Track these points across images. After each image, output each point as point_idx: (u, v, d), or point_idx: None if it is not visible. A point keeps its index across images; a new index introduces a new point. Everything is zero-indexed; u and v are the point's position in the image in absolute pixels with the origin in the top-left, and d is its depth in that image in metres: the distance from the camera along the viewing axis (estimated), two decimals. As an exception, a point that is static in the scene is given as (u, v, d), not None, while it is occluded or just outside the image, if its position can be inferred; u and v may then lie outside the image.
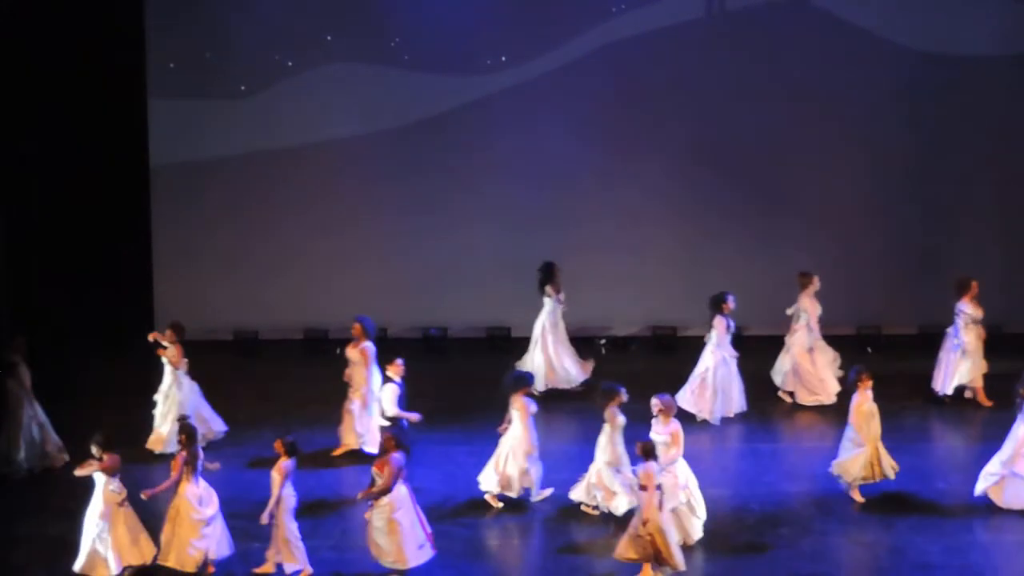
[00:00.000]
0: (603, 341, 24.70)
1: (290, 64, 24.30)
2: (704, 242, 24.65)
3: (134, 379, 22.60)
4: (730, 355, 20.61)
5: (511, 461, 17.65)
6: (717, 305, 20.51)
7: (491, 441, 18.77)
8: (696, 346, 24.36)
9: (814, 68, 24.33)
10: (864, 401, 17.54)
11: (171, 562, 15.96)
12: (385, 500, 15.82)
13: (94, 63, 23.79)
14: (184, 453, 16.09)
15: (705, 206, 24.61)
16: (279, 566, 15.98)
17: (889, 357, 23.07)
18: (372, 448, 18.93)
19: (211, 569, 16.08)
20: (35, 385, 19.24)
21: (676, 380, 22.52)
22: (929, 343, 23.05)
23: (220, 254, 24.68)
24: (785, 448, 19.93)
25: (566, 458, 18.74)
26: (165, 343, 19.61)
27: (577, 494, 17.55)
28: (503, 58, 24.36)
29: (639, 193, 24.54)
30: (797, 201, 24.68)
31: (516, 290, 24.52)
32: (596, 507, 17.46)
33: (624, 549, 15.65)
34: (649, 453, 15.71)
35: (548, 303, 21.82)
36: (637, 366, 23.44)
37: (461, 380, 22.71)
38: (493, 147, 24.51)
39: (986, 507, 17.57)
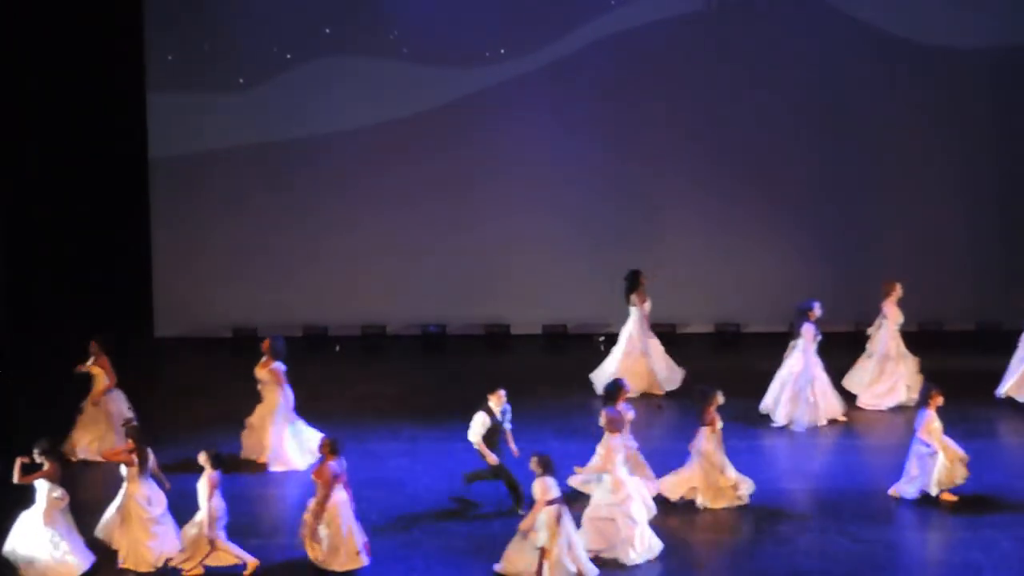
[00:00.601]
0: (602, 339, 24.67)
1: (289, 57, 24.28)
2: (704, 239, 24.63)
3: (133, 377, 22.60)
4: (815, 363, 20.45)
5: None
6: (804, 313, 20.36)
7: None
8: (695, 343, 24.48)
9: (814, 61, 24.30)
10: (934, 419, 17.54)
11: (128, 564, 16.07)
12: (323, 505, 15.92)
13: (92, 56, 23.79)
14: (132, 455, 16.18)
15: (705, 203, 24.59)
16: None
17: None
18: (279, 467, 18.75)
19: (165, 565, 16.19)
20: (33, 383, 19.25)
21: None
22: (929, 341, 23.09)
23: (219, 251, 24.65)
24: (784, 445, 19.92)
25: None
26: (88, 367, 19.27)
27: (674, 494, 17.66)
28: (502, 51, 24.33)
29: (639, 189, 24.53)
30: (800, 197, 24.67)
31: (515, 287, 24.58)
32: (691, 502, 17.63)
33: (510, 563, 15.65)
34: (546, 467, 15.55)
35: (634, 312, 21.67)
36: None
37: (460, 377, 22.69)
38: (492, 141, 24.49)
39: (986, 504, 17.57)
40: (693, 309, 24.75)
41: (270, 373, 18.98)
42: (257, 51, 24.22)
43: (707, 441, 17.50)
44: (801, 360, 20.34)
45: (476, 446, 17.38)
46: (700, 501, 17.52)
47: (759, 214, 24.61)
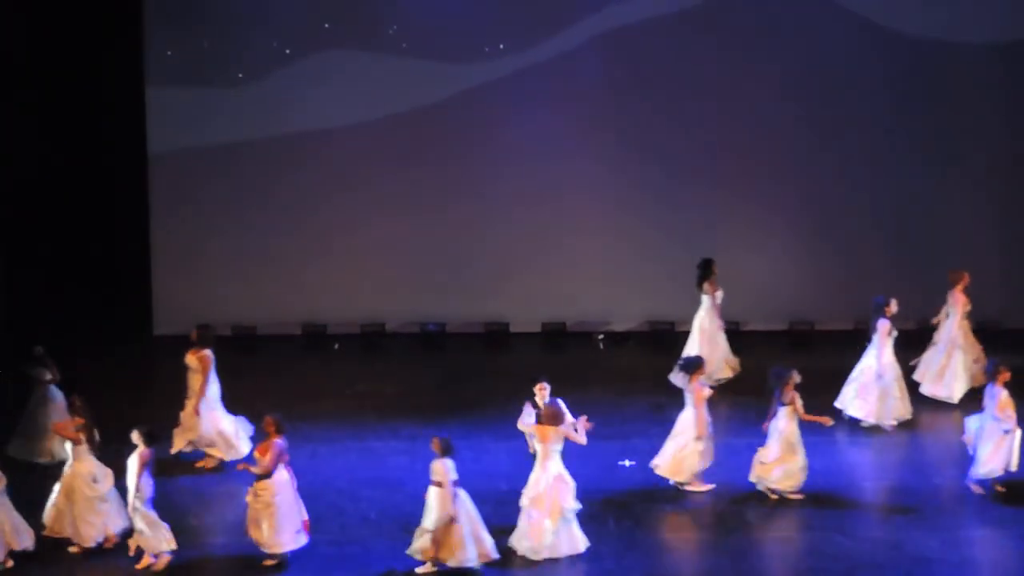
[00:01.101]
0: (601, 336, 24.70)
1: (288, 52, 24.27)
2: (703, 237, 24.59)
3: (132, 374, 22.65)
4: (891, 360, 20.41)
5: (683, 445, 17.80)
6: (880, 309, 20.32)
7: (489, 436, 18.84)
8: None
9: (817, 57, 24.29)
10: (1005, 395, 17.57)
11: (68, 534, 16.27)
12: (265, 484, 15.93)
13: (91, 51, 23.78)
14: (81, 433, 16.33)
15: (704, 200, 24.58)
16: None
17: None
18: (234, 454, 18.60)
19: (111, 542, 16.32)
20: (32, 380, 19.23)
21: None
22: (927, 339, 23.06)
23: (218, 249, 24.64)
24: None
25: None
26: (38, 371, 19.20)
27: (754, 477, 17.82)
28: (501, 46, 24.32)
29: (638, 187, 24.52)
30: (796, 195, 24.66)
31: (514, 285, 24.58)
32: (773, 492, 17.70)
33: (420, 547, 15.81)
34: (445, 449, 15.75)
35: (705, 300, 21.64)
36: (635, 361, 23.51)
37: (459, 375, 22.72)
38: (491, 138, 24.48)
39: (984, 503, 17.58)
40: (692, 307, 24.70)
41: (200, 360, 18.87)
42: (256, 46, 24.22)
43: (788, 420, 17.63)
44: (877, 357, 20.27)
45: (526, 429, 17.41)
46: (762, 483, 17.68)
47: (759, 212, 24.62)
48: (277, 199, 24.54)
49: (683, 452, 17.87)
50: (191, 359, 19.01)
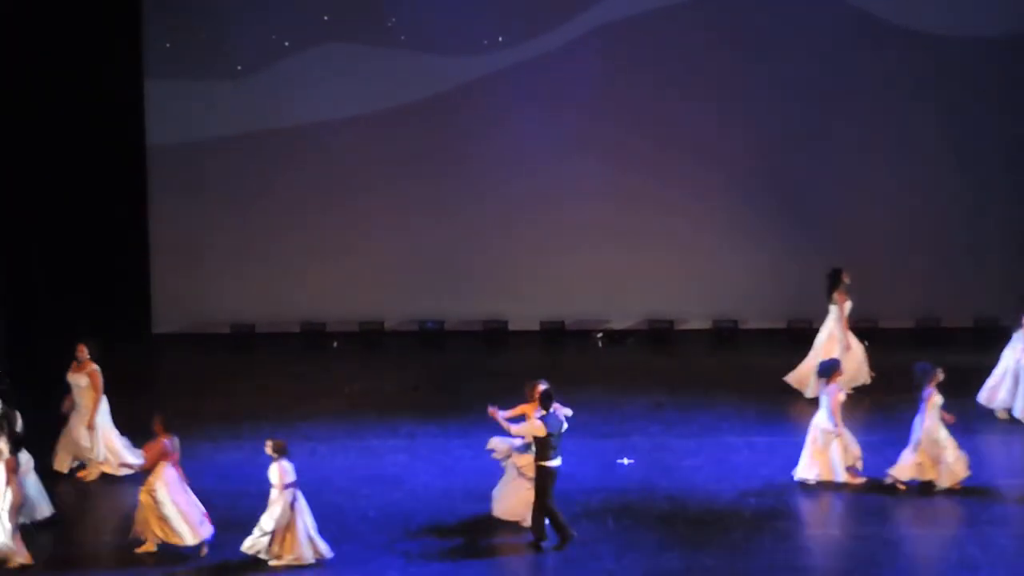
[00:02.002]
0: (600, 334, 24.69)
1: (287, 44, 24.24)
2: (702, 235, 24.61)
3: (131, 373, 22.61)
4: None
5: (824, 447, 17.95)
6: None
7: (488, 434, 18.76)
8: (692, 340, 24.48)
9: (815, 54, 24.25)
10: None
11: None
12: (154, 482, 16.02)
13: (90, 43, 23.72)
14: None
15: (704, 199, 24.56)
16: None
17: (885, 351, 23.06)
18: (126, 469, 18.20)
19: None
20: (30, 379, 19.24)
21: (673, 374, 22.58)
22: (927, 338, 23.11)
23: (217, 245, 24.59)
24: (781, 442, 19.92)
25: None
26: None
27: (897, 472, 17.88)
28: (500, 39, 24.28)
29: (638, 185, 24.49)
30: (796, 193, 24.64)
31: (513, 283, 24.56)
32: (906, 484, 17.79)
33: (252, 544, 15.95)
34: (281, 451, 15.89)
35: (834, 309, 21.46)
36: (634, 359, 23.51)
37: (458, 373, 22.71)
38: (490, 133, 24.39)
39: (983, 500, 17.59)
40: (691, 306, 24.74)
41: (90, 376, 18.51)
42: (255, 38, 24.19)
43: (930, 416, 17.68)
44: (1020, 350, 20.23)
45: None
46: (892, 476, 17.83)
47: (758, 210, 24.58)
48: (276, 194, 24.50)
49: (827, 452, 17.99)
50: (78, 376, 18.52)
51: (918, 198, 24.61)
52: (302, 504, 16.02)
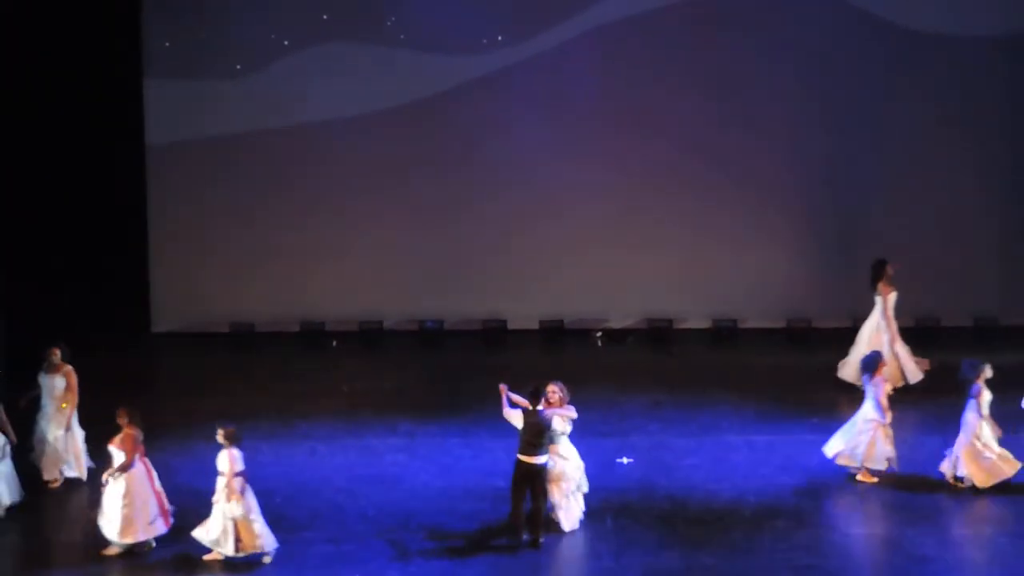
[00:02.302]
0: (599, 333, 24.70)
1: (286, 43, 24.24)
2: (701, 234, 24.61)
3: (130, 371, 22.63)
4: None
5: (871, 437, 17.97)
6: None
7: (487, 433, 18.82)
8: (692, 339, 24.47)
9: (812, 53, 24.27)
10: None
11: None
12: (121, 475, 16.04)
13: (89, 42, 23.73)
14: None
15: (703, 197, 24.56)
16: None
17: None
18: (77, 472, 18.23)
19: None
20: (30, 378, 19.19)
21: (672, 373, 22.59)
22: (926, 336, 23.10)
23: (216, 245, 24.59)
24: (780, 441, 19.92)
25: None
26: None
27: (945, 468, 17.96)
28: (499, 38, 24.27)
29: (637, 184, 24.49)
30: (794, 193, 24.65)
31: (512, 282, 24.56)
32: (960, 479, 17.81)
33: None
34: (232, 439, 15.86)
35: (879, 301, 21.40)
36: (633, 358, 23.50)
37: (457, 372, 22.71)
38: (489, 133, 24.39)
39: (981, 500, 17.59)
40: (690, 305, 24.74)
41: (68, 377, 18.30)
42: (254, 38, 24.19)
43: (977, 413, 17.76)
44: None
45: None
46: (966, 478, 17.82)
47: (757, 209, 24.59)
48: (276, 193, 24.49)
49: (872, 441, 18.00)
50: (55, 378, 18.25)
51: (918, 197, 24.60)
52: (251, 494, 15.96)
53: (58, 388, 18.25)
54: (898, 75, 24.29)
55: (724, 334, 24.67)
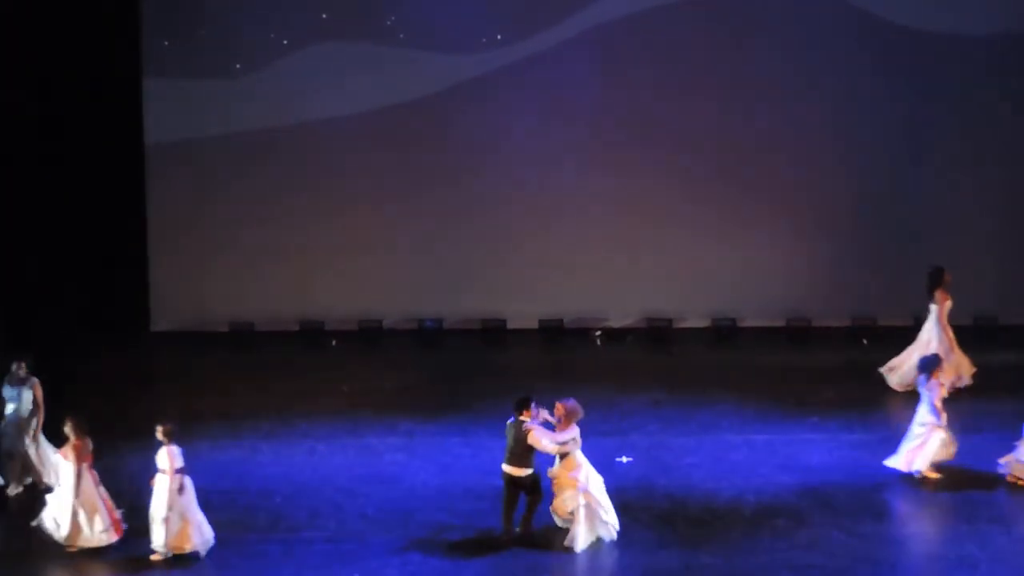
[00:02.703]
0: (598, 333, 24.69)
1: (285, 43, 24.23)
2: (701, 233, 24.60)
3: (130, 370, 22.64)
4: None
5: (926, 439, 18.02)
6: None
7: (486, 433, 18.81)
8: (691, 338, 24.45)
9: (813, 52, 24.25)
10: None
11: None
12: (69, 482, 16.04)
13: (88, 41, 23.72)
14: None
15: (702, 196, 24.54)
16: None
17: (884, 349, 23.07)
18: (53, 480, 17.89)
19: None
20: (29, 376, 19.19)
21: (671, 372, 22.59)
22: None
23: (215, 244, 24.58)
24: (779, 440, 19.92)
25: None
26: None
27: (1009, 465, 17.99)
28: (499, 36, 24.26)
29: (636, 183, 24.48)
30: (794, 192, 24.63)
31: (511, 282, 24.55)
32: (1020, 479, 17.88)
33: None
34: (171, 436, 15.87)
35: (934, 308, 21.29)
36: (633, 357, 23.50)
37: (456, 372, 22.71)
38: (489, 130, 24.36)
39: (981, 499, 17.59)
40: (689, 304, 24.74)
41: (35, 389, 18.09)
42: (254, 37, 24.18)
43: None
44: None
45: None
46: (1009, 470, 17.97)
47: (756, 208, 24.57)
48: (275, 193, 24.47)
49: (926, 443, 18.02)
50: (23, 391, 17.96)
51: (917, 197, 24.59)
52: (190, 490, 15.96)
53: (25, 401, 18.05)
54: (897, 73, 24.27)
55: (723, 333, 24.67)
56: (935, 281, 21.29)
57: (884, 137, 24.49)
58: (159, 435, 15.92)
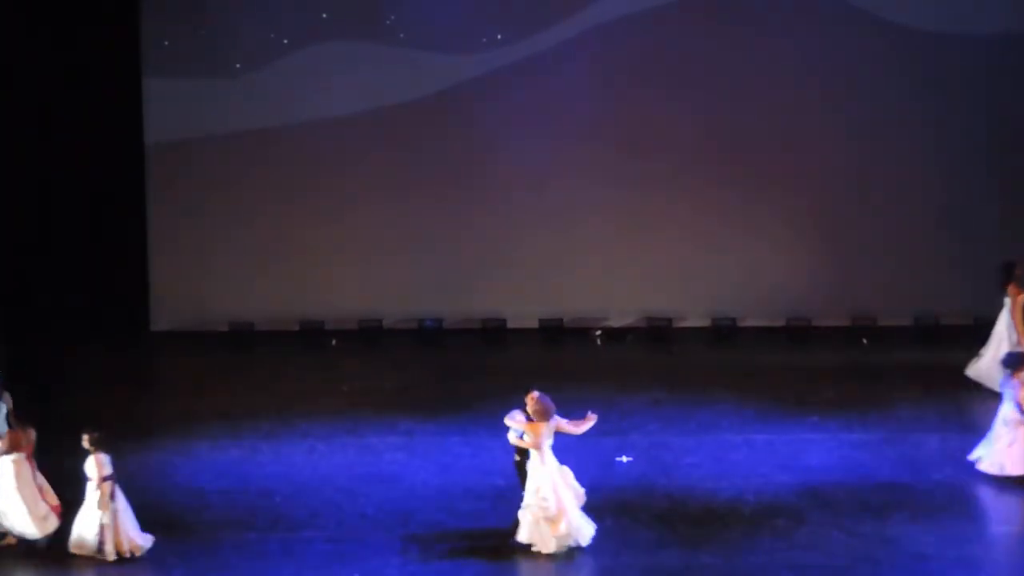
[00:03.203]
0: (598, 332, 24.69)
1: (285, 42, 24.19)
2: (701, 233, 24.59)
3: (129, 370, 22.64)
4: None
5: (1013, 439, 17.93)
6: None
7: (487, 432, 18.80)
8: (691, 337, 24.46)
9: (813, 51, 24.23)
10: None
11: None
12: (8, 470, 16.00)
13: (87, 41, 23.72)
14: None
15: (702, 196, 24.53)
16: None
17: (884, 349, 23.11)
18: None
19: None
20: (28, 376, 19.18)
21: (671, 371, 22.59)
22: (924, 335, 23.08)
23: (215, 244, 24.56)
24: (779, 440, 19.92)
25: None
26: None
27: None
28: (499, 36, 24.25)
29: (637, 182, 24.46)
30: (794, 192, 24.62)
31: (512, 281, 24.55)
32: None
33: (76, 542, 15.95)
34: (98, 444, 15.79)
35: (1008, 303, 21.18)
36: (633, 357, 23.50)
37: (456, 371, 22.71)
38: (489, 130, 24.26)
39: (983, 499, 17.59)
40: (689, 303, 24.74)
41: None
42: (254, 36, 24.14)
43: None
44: None
45: (519, 440, 17.08)
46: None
47: (757, 207, 24.56)
48: (275, 192, 24.44)
49: (1015, 442, 17.90)
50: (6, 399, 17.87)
51: (918, 195, 24.57)
52: (121, 497, 15.93)
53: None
54: (896, 73, 24.25)
55: (723, 333, 24.67)
56: (1008, 275, 21.19)
57: (884, 138, 24.47)
58: (85, 443, 15.81)
